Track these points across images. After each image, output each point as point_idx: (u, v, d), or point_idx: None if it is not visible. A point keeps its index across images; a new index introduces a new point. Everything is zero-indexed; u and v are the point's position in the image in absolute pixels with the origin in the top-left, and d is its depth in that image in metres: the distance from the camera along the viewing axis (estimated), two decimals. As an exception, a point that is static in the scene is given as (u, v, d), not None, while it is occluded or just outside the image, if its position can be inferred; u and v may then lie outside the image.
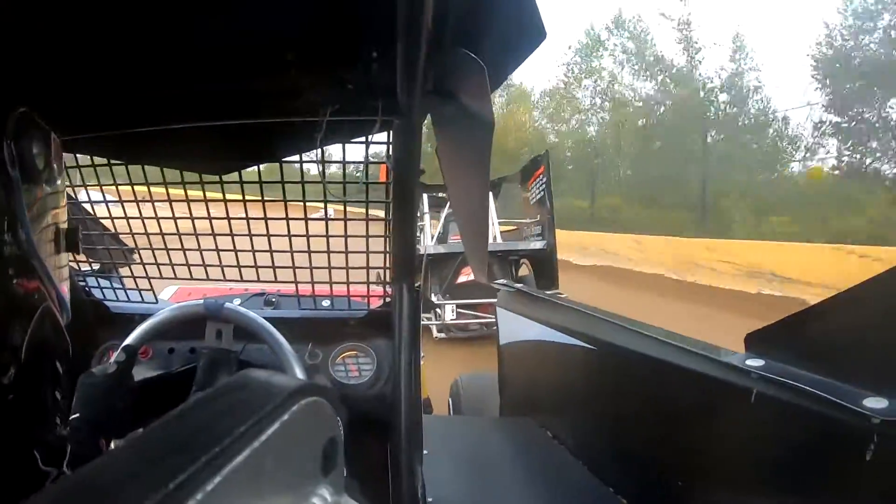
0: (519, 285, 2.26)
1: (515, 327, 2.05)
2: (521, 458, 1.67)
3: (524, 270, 6.30)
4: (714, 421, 0.99)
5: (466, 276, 6.07)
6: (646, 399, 1.22)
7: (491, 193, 6.77)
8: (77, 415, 1.03)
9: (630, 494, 1.28)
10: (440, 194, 6.85)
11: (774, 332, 0.92)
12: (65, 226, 0.70)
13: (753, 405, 0.87)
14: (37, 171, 0.64)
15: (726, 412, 0.95)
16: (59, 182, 0.70)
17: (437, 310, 6.19)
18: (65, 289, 0.71)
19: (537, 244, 6.01)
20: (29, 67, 0.73)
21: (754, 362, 0.90)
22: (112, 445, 1.15)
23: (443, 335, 6.21)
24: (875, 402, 0.70)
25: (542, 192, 5.95)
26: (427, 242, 6.62)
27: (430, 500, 1.27)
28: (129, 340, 1.27)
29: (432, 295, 6.16)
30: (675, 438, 1.11)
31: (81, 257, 1.50)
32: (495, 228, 6.91)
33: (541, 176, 6.01)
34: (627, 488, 1.29)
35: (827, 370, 0.80)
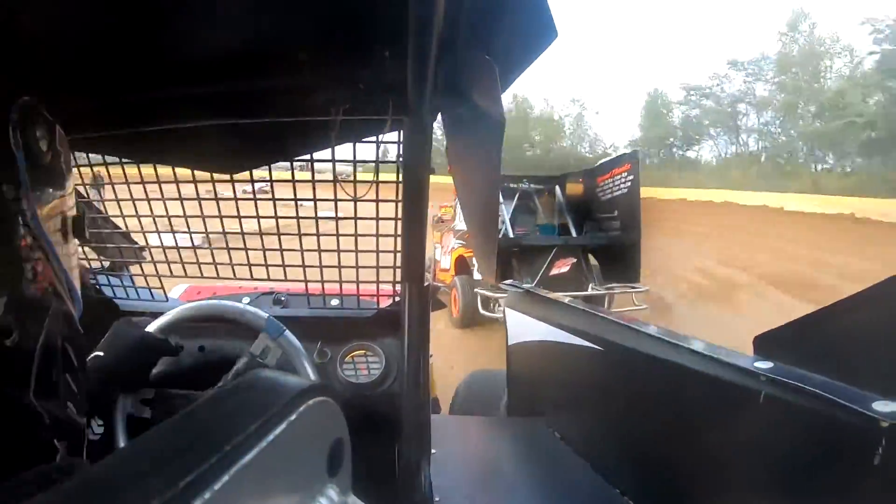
0: (527, 286, 2.25)
1: (524, 327, 2.05)
2: (529, 458, 1.66)
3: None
4: (722, 423, 0.99)
5: (558, 269, 6.37)
6: (653, 401, 1.22)
7: (558, 186, 7.41)
8: (100, 353, 1.05)
9: (637, 496, 1.27)
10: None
11: (783, 335, 0.92)
12: (72, 213, 0.70)
13: (762, 407, 0.87)
14: (42, 159, 0.64)
15: (734, 414, 0.95)
16: (65, 172, 0.70)
17: None
18: (75, 279, 0.71)
19: (618, 235, 6.48)
20: (38, 62, 0.73)
21: (763, 364, 0.90)
22: (119, 398, 1.17)
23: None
24: (884, 406, 0.70)
25: (623, 189, 6.42)
26: (510, 234, 6.81)
27: (436, 499, 1.27)
28: (186, 309, 1.32)
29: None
30: (683, 440, 1.10)
31: (92, 255, 1.51)
32: (567, 220, 7.29)
33: (624, 174, 6.42)
34: (634, 490, 1.28)
35: (836, 373, 0.80)
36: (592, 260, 6.77)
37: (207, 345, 1.47)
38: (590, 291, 6.27)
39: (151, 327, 1.28)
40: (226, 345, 1.44)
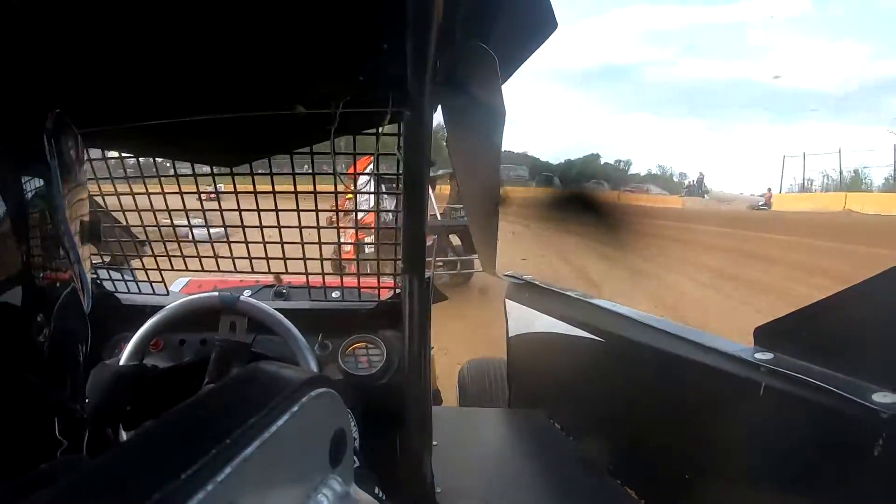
0: (528, 276, 2.25)
1: (524, 319, 2.05)
2: (530, 449, 1.67)
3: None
4: (723, 414, 0.99)
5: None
6: (654, 392, 1.22)
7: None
8: (87, 402, 1.04)
9: (638, 486, 1.28)
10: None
11: (783, 326, 0.92)
12: (87, 218, 0.71)
13: (762, 398, 0.87)
14: (70, 165, 0.66)
15: (735, 405, 0.95)
16: (83, 176, 0.71)
17: None
18: (88, 278, 0.72)
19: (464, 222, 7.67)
20: (56, 66, 0.74)
21: (763, 356, 0.90)
22: (122, 435, 1.16)
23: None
24: (883, 397, 0.70)
25: None
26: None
27: (438, 490, 1.28)
28: (142, 331, 1.28)
29: None
30: (684, 431, 1.11)
31: (93, 249, 1.51)
32: (435, 209, 8.47)
33: None
34: (635, 480, 1.29)
35: (835, 364, 0.80)
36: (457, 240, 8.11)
37: (188, 340, 1.48)
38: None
39: (124, 358, 1.26)
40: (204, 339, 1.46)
